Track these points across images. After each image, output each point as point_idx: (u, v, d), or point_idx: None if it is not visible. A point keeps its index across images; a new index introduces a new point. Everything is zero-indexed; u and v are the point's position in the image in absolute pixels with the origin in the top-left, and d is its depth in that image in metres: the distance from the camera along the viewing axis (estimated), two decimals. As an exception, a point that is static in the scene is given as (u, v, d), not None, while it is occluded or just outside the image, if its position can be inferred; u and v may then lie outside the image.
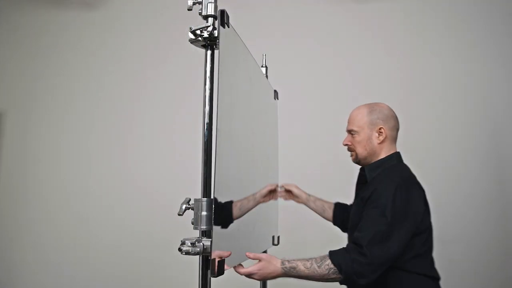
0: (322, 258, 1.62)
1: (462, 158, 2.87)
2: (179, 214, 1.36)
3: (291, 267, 1.60)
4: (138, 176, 3.38)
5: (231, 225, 1.51)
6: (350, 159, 2.98)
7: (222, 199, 1.37)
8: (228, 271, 1.38)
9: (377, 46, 3.14)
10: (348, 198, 3.00)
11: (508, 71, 2.90)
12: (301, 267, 1.60)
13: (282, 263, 1.61)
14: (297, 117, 3.15)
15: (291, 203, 2.70)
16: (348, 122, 1.96)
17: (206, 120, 1.41)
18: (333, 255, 1.61)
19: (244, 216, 1.69)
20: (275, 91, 2.40)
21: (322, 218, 3.01)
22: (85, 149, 3.54)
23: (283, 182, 2.49)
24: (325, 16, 3.27)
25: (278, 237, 2.31)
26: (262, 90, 2.06)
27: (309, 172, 3.09)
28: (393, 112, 1.91)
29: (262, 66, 2.25)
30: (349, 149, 1.97)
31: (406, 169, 1.85)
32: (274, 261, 1.61)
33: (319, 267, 1.59)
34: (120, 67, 3.60)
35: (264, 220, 2.04)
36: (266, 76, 2.27)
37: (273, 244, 2.24)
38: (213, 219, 1.31)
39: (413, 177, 1.81)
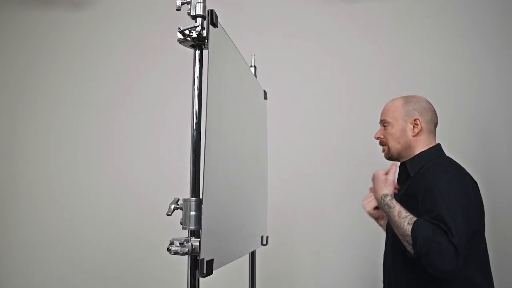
0: (412, 221, 1.50)
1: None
2: (167, 214, 1.36)
3: (386, 204, 1.60)
4: (127, 176, 3.37)
5: (220, 225, 1.51)
6: (340, 159, 3.03)
7: (210, 199, 1.36)
8: (217, 271, 1.38)
9: (368, 46, 3.16)
10: (338, 197, 3.03)
11: (497, 71, 2.93)
12: (395, 212, 1.55)
13: (385, 195, 1.62)
14: (287, 117, 3.16)
15: (280, 202, 2.71)
16: (382, 114, 1.84)
17: (195, 120, 1.41)
18: (416, 225, 1.47)
19: (233, 216, 1.69)
20: (264, 91, 2.40)
21: (312, 219, 3.03)
22: (73, 149, 3.51)
23: (273, 182, 2.49)
24: (315, 16, 3.28)
25: (267, 237, 2.31)
26: (252, 90, 2.06)
27: (300, 172, 3.10)
28: (432, 105, 1.80)
29: (251, 66, 2.25)
30: (381, 143, 1.84)
31: (454, 161, 1.70)
32: (385, 187, 1.66)
33: (407, 224, 1.49)
34: (108, 67, 3.58)
35: (253, 220, 2.04)
36: (255, 76, 2.27)
37: (262, 244, 2.24)
38: (201, 219, 1.31)
39: (463, 169, 1.67)
